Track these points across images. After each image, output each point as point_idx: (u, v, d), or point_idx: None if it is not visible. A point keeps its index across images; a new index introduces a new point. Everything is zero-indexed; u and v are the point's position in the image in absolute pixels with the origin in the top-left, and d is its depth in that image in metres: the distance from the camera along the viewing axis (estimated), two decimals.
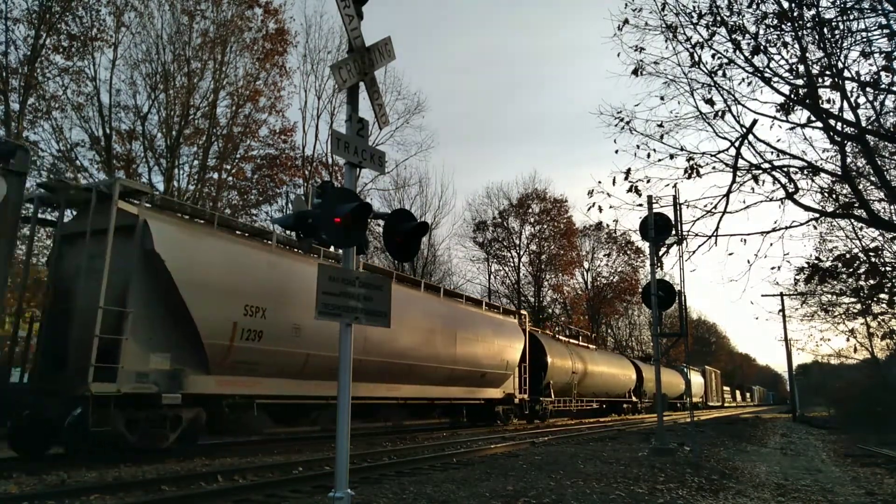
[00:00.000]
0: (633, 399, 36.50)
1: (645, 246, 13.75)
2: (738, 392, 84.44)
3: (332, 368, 10.58)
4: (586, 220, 48.79)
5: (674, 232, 11.37)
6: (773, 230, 9.40)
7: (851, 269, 10.26)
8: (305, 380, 12.70)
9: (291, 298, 11.95)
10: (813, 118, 8.61)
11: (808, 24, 8.20)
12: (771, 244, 9.58)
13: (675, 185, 10.34)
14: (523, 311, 26.89)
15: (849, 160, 10.22)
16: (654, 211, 11.54)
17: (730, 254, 9.79)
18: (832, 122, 8.63)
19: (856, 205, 10.07)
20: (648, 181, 9.57)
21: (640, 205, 10.49)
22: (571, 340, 31.03)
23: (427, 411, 18.46)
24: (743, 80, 8.92)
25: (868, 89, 8.21)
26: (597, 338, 44.58)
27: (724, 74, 8.81)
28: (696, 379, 51.42)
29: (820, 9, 8.14)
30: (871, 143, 9.87)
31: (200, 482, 7.97)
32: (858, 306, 16.59)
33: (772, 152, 9.17)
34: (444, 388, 17.61)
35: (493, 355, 19.61)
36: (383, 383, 15.07)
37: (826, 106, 8.36)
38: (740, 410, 60.98)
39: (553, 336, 29.71)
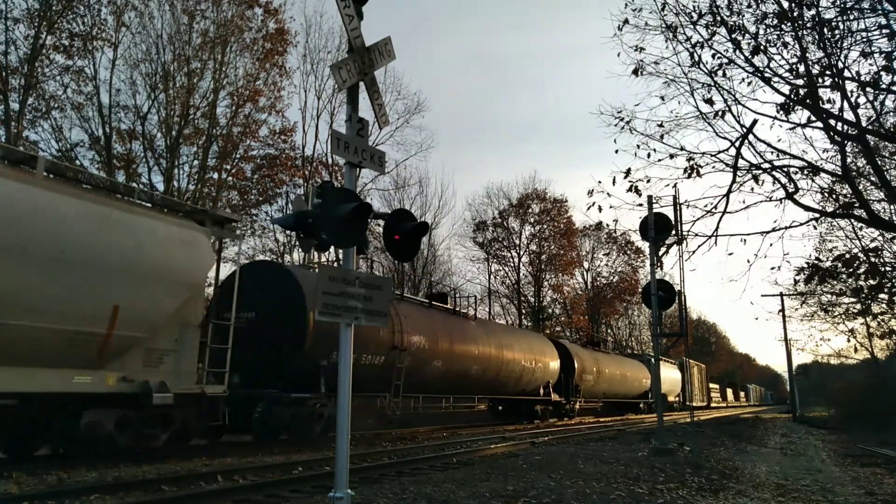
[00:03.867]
0: (556, 398, 25.11)
1: (645, 246, 13.76)
2: (729, 390, 74.39)
3: None
4: (586, 220, 48.78)
5: (674, 232, 11.38)
6: (773, 230, 9.43)
7: (851, 269, 10.28)
8: None
9: None
10: (813, 118, 8.63)
11: (808, 24, 8.21)
12: (771, 244, 9.61)
13: (675, 185, 10.36)
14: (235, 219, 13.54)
15: (849, 160, 10.24)
16: (654, 211, 11.54)
17: (730, 254, 9.81)
18: (832, 122, 8.65)
19: (856, 205, 10.09)
20: (648, 181, 9.61)
21: (640, 205, 10.52)
22: (417, 299, 19.64)
23: None
24: (743, 80, 8.96)
25: (868, 89, 8.22)
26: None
27: (724, 74, 8.84)
28: (671, 374, 41.42)
29: (820, 9, 8.16)
30: (871, 143, 9.89)
31: (200, 482, 7.97)
32: (858, 306, 16.62)
33: (772, 152, 9.20)
34: None
35: (87, 297, 8.82)
36: None
37: (826, 106, 8.38)
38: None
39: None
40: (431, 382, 17.33)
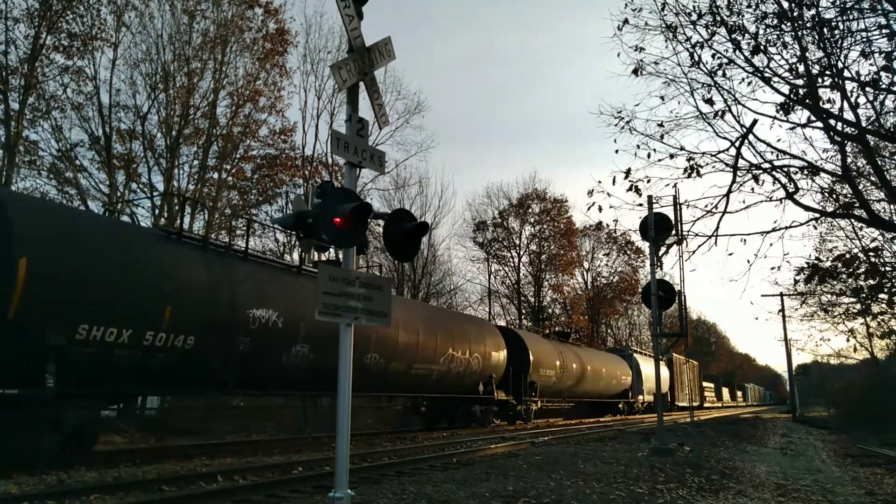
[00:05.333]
0: (503, 397, 20.48)
1: (645, 246, 13.75)
2: (725, 390, 70.41)
3: None
4: (586, 220, 48.73)
5: (674, 232, 11.37)
6: (773, 230, 9.41)
7: (851, 269, 10.27)
8: None
9: None
10: (813, 118, 8.62)
11: (808, 24, 8.20)
12: (771, 244, 9.58)
13: (675, 185, 10.33)
14: None
15: (849, 160, 10.22)
16: (654, 211, 11.54)
17: (730, 254, 9.78)
18: (832, 122, 8.64)
19: (856, 205, 10.08)
20: (648, 181, 9.58)
21: (640, 205, 10.48)
22: (271, 259, 14.61)
23: None
24: (743, 80, 8.93)
25: (868, 89, 8.21)
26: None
27: (724, 74, 8.82)
28: (653, 370, 35.93)
29: (820, 9, 8.16)
30: (871, 143, 9.88)
31: (200, 482, 7.97)
32: (858, 306, 16.61)
33: (772, 152, 9.18)
34: None
35: None
36: None
37: (826, 106, 8.37)
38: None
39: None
40: (291, 375, 12.41)
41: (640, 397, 35.16)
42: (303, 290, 12.58)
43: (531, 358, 22.21)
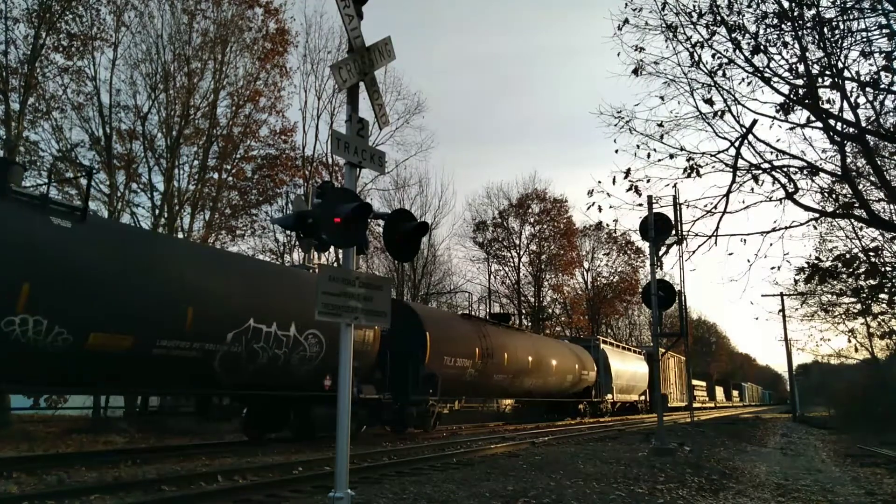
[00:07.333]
0: (374, 395, 14.35)
1: (645, 246, 13.75)
2: (719, 389, 66.02)
3: None
4: (586, 220, 48.71)
5: (674, 232, 11.37)
6: (773, 230, 9.41)
7: (851, 269, 10.27)
8: None
9: None
10: (813, 118, 8.62)
11: (808, 24, 8.20)
12: (771, 244, 9.57)
13: (675, 185, 10.33)
14: None
15: (849, 160, 10.22)
16: (654, 211, 11.54)
17: (730, 254, 9.79)
18: (832, 122, 8.64)
19: (856, 205, 10.08)
20: (648, 181, 9.58)
21: (640, 205, 10.49)
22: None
23: None
24: (743, 80, 8.93)
25: (868, 89, 8.21)
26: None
27: (724, 74, 8.82)
28: (631, 367, 32.16)
29: (820, 9, 8.16)
30: (871, 143, 9.87)
31: (200, 482, 7.97)
32: (858, 306, 16.60)
33: (772, 152, 9.18)
34: None
35: None
36: None
37: (826, 106, 8.37)
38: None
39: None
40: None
41: (609, 396, 29.56)
42: None
43: (429, 341, 16.04)
